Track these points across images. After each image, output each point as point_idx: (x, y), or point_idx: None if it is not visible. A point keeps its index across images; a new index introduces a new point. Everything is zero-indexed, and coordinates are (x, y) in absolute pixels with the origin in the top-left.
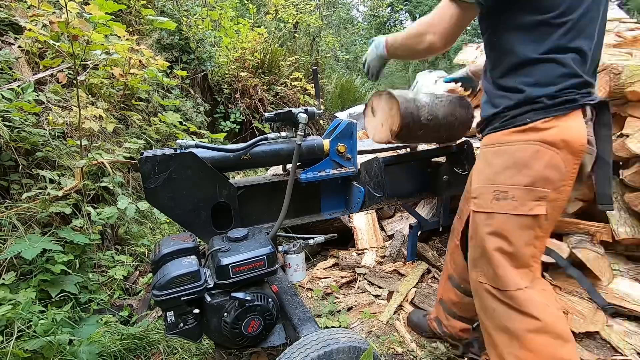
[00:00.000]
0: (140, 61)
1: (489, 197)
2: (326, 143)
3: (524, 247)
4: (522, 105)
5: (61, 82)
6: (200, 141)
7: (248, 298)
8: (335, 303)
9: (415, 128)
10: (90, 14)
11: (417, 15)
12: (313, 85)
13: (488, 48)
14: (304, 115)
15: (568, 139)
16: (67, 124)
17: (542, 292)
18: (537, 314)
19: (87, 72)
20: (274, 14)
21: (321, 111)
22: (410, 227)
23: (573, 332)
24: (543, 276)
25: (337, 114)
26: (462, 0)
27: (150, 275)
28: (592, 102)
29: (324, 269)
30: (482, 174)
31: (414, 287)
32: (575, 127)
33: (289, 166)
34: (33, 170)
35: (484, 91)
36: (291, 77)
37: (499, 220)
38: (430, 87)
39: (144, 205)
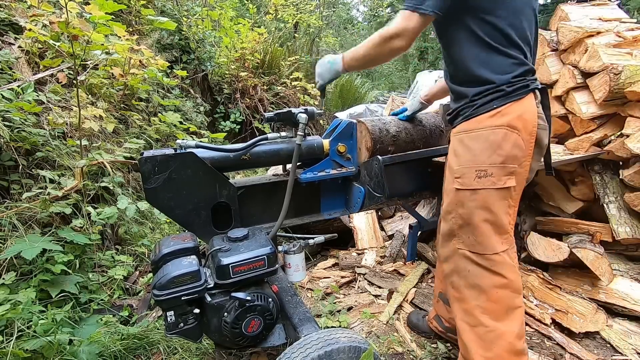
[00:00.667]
0: (140, 61)
1: (472, 176)
2: (326, 143)
3: (503, 215)
4: (488, 94)
5: (61, 82)
6: (200, 141)
7: (248, 298)
8: (335, 303)
9: (387, 141)
10: (90, 14)
11: None
12: (315, 87)
13: (447, 53)
14: (304, 115)
15: (525, 121)
16: (67, 124)
17: (512, 254)
18: (505, 273)
19: (87, 72)
20: (274, 14)
21: (321, 111)
22: (410, 227)
23: (573, 332)
24: (543, 276)
25: (337, 114)
26: (422, 12)
27: (150, 275)
28: (539, 87)
29: (324, 269)
30: (462, 157)
31: (414, 287)
32: (529, 110)
33: (289, 166)
34: (33, 170)
35: (450, 90)
36: (291, 77)
37: (482, 194)
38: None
39: (144, 205)
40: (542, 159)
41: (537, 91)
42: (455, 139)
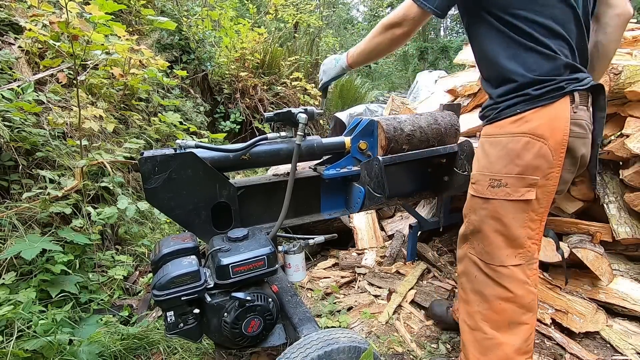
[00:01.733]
0: (140, 61)
1: (485, 184)
2: (348, 140)
3: (518, 228)
4: (513, 97)
5: (61, 82)
6: (200, 141)
7: (248, 298)
8: (335, 303)
9: (402, 140)
10: (90, 14)
11: None
12: (317, 87)
13: (473, 49)
14: (304, 115)
15: (554, 129)
16: (67, 124)
17: (529, 270)
18: (511, 288)
19: (87, 72)
20: (274, 14)
21: (321, 111)
22: (410, 227)
23: (573, 332)
24: (543, 276)
25: (337, 114)
26: (421, 6)
27: (150, 275)
28: (581, 88)
29: (324, 269)
30: (480, 162)
31: (413, 287)
32: (560, 117)
33: (302, 164)
34: (33, 170)
35: (482, 88)
36: (291, 77)
37: (494, 204)
38: (430, 86)
39: (144, 205)
40: (587, 170)
41: (576, 94)
42: (479, 142)
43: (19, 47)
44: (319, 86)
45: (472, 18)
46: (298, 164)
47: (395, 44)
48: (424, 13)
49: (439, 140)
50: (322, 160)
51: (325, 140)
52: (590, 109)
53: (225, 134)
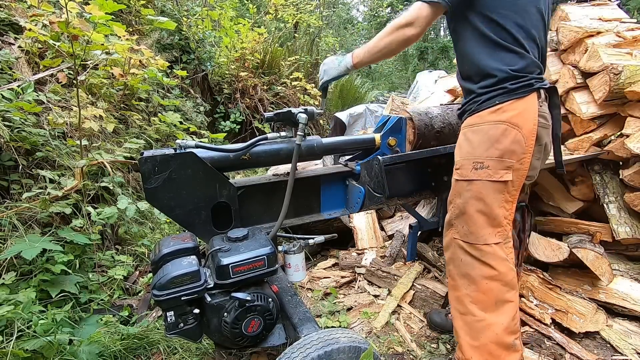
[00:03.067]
0: (140, 61)
1: (469, 167)
2: (377, 137)
3: (497, 208)
4: (491, 90)
5: (61, 82)
6: (200, 141)
7: (248, 298)
8: (335, 303)
9: (431, 136)
10: (90, 14)
11: None
12: (317, 88)
13: (456, 49)
14: (304, 115)
15: (526, 119)
16: (67, 124)
17: (507, 249)
18: (495, 265)
19: (87, 72)
20: (274, 14)
21: (321, 111)
22: (410, 227)
23: (573, 332)
24: (543, 276)
25: (337, 114)
26: (434, 2)
27: (150, 275)
28: (545, 87)
29: (324, 269)
30: (463, 149)
31: (410, 289)
32: (531, 109)
33: (302, 164)
34: (33, 170)
35: (460, 87)
36: (291, 77)
37: (477, 185)
38: (430, 86)
39: (144, 205)
40: (553, 156)
41: (542, 90)
42: (461, 133)
43: (19, 47)
44: (319, 85)
45: (459, 21)
46: (298, 163)
47: (405, 44)
48: (437, 10)
49: None
50: (352, 156)
51: (355, 137)
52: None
53: (225, 134)
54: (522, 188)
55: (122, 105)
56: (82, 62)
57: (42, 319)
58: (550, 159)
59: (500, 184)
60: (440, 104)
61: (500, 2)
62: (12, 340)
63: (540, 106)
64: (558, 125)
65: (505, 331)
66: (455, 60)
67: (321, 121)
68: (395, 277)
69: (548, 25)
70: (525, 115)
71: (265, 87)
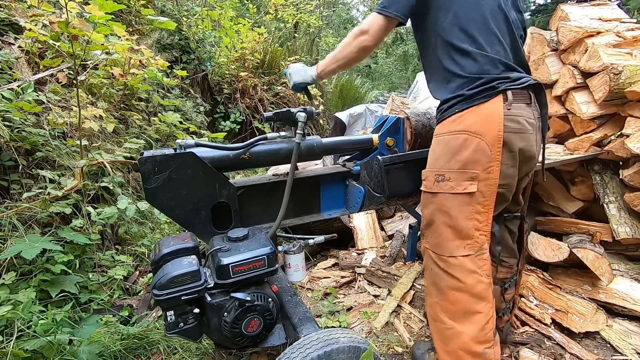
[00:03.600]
0: (140, 61)
1: (432, 179)
2: (375, 137)
3: (464, 220)
4: (452, 98)
5: (61, 82)
6: (200, 140)
7: (248, 298)
8: (335, 303)
9: (429, 137)
10: (90, 14)
11: None
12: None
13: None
14: (303, 114)
15: (489, 126)
16: (67, 124)
17: (478, 261)
18: (461, 277)
19: (87, 72)
20: (274, 14)
21: (319, 111)
22: (410, 227)
23: (573, 332)
24: (543, 276)
25: (337, 114)
26: (386, 14)
27: (150, 275)
28: (515, 87)
29: (324, 269)
30: (429, 160)
31: (410, 289)
32: (494, 114)
33: (302, 164)
34: (33, 170)
35: (433, 96)
36: None
37: (440, 198)
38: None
39: (144, 205)
40: (541, 163)
41: (509, 92)
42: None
43: (19, 47)
44: (291, 89)
45: (418, 32)
46: (298, 163)
47: (363, 52)
48: (389, 22)
49: None
50: (350, 156)
51: (353, 137)
52: (535, 105)
53: (225, 133)
54: (503, 197)
55: (122, 105)
56: (82, 62)
57: (42, 319)
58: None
59: (464, 195)
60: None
61: (451, 3)
62: (12, 340)
63: (508, 109)
64: (544, 125)
65: (473, 340)
66: None
67: (321, 121)
68: (395, 277)
69: (518, 14)
70: (488, 121)
71: (265, 87)
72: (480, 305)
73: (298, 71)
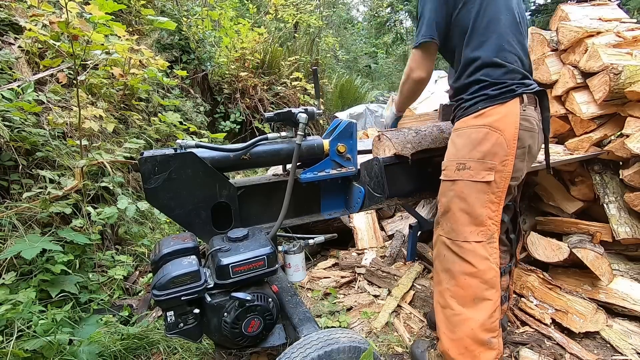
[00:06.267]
0: (140, 61)
1: (453, 168)
2: (326, 143)
3: (480, 207)
4: (475, 97)
5: (61, 82)
6: (200, 141)
7: (248, 298)
8: (335, 303)
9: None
10: (90, 14)
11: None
12: (313, 85)
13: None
14: (304, 115)
15: (507, 123)
16: (67, 124)
17: (490, 248)
18: (474, 262)
19: (87, 72)
20: (274, 14)
21: (321, 111)
22: (410, 227)
23: (573, 332)
24: (543, 276)
25: (337, 114)
26: (419, 43)
27: (150, 275)
28: (528, 91)
29: (324, 269)
30: (449, 152)
31: (410, 289)
32: (512, 113)
33: (289, 166)
34: (33, 170)
35: (449, 95)
36: (291, 77)
37: (460, 185)
38: (430, 86)
39: (144, 205)
40: (543, 159)
41: (525, 95)
42: (450, 137)
43: (19, 47)
44: (389, 126)
45: (446, 44)
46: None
47: (420, 85)
48: (427, 49)
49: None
50: (300, 163)
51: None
52: (538, 109)
53: (225, 134)
54: (509, 189)
55: (122, 105)
56: (82, 62)
57: (42, 319)
58: (541, 159)
59: (482, 184)
60: (441, 104)
61: (475, 22)
62: (12, 340)
63: (524, 110)
64: (547, 126)
65: (480, 327)
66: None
67: (321, 121)
68: (395, 277)
69: (526, 26)
70: (507, 119)
71: (265, 87)
72: (490, 292)
73: (389, 115)
